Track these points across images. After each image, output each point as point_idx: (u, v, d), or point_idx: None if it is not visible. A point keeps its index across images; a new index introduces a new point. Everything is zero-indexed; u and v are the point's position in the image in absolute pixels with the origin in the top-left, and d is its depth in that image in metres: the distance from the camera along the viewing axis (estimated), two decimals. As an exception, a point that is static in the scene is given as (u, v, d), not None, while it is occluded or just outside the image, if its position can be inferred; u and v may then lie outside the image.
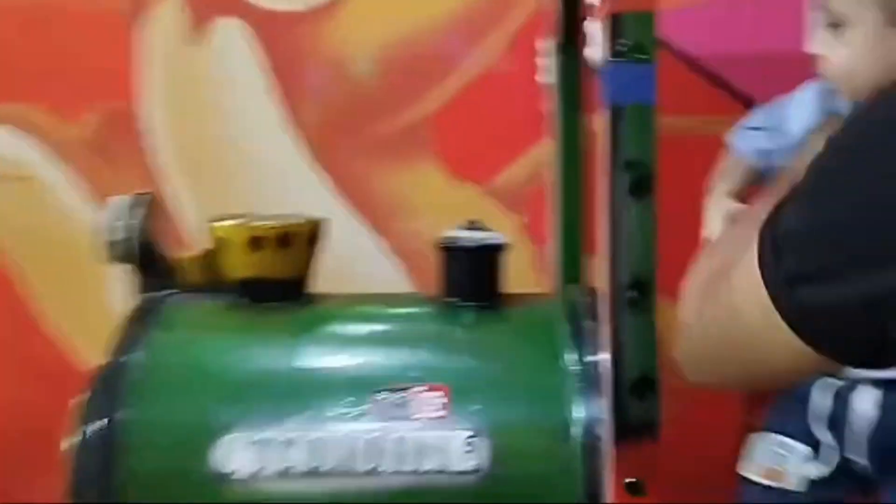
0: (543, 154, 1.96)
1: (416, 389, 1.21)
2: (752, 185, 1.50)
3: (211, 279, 1.38)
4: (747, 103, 1.86)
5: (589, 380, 1.19)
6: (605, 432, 1.11)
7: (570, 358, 1.22)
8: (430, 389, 1.22)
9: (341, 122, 1.99)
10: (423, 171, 1.95)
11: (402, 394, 1.21)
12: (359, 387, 1.21)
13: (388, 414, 1.19)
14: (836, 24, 1.17)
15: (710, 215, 1.50)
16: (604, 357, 1.19)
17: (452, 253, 1.35)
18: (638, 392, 1.10)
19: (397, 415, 1.19)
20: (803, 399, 1.47)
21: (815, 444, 1.46)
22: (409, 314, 1.36)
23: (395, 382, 1.21)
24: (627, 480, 1.09)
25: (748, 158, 1.53)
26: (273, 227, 1.31)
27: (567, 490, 1.15)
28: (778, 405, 1.53)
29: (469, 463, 1.17)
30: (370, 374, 1.24)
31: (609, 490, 1.10)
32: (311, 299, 1.34)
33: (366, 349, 1.30)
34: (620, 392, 1.10)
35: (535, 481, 1.17)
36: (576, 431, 1.16)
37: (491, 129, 1.92)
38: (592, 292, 1.36)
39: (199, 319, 1.34)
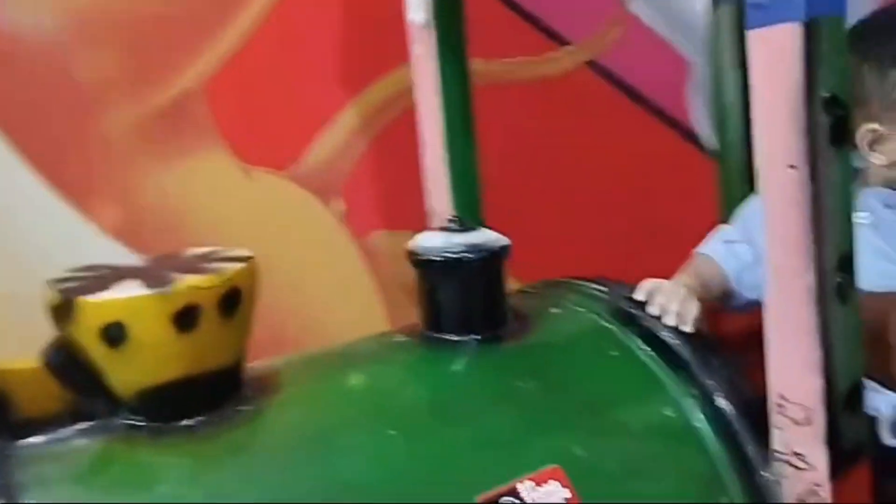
0: (353, 121, 1.53)
1: (519, 488, 0.79)
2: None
3: (69, 400, 0.78)
4: (562, 41, 1.63)
5: (733, 409, 0.88)
6: (813, 467, 0.82)
7: (681, 387, 0.90)
8: (538, 480, 0.81)
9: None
10: (201, 158, 1.38)
11: (514, 501, 0.78)
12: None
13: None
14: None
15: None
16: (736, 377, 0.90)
17: (446, 269, 0.93)
18: (851, 405, 0.82)
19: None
20: None
21: None
22: (423, 380, 0.89)
23: (485, 489, 0.78)
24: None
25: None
26: (212, 286, 0.76)
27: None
28: None
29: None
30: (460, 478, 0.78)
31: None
32: (258, 395, 0.82)
33: (403, 461, 0.81)
34: (833, 410, 0.81)
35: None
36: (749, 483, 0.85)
37: (283, 96, 1.43)
38: (612, 285, 1.04)
39: (81, 480, 0.74)
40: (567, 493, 0.80)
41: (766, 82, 0.77)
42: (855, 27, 1.17)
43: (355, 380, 0.87)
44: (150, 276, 0.76)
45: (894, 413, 1.14)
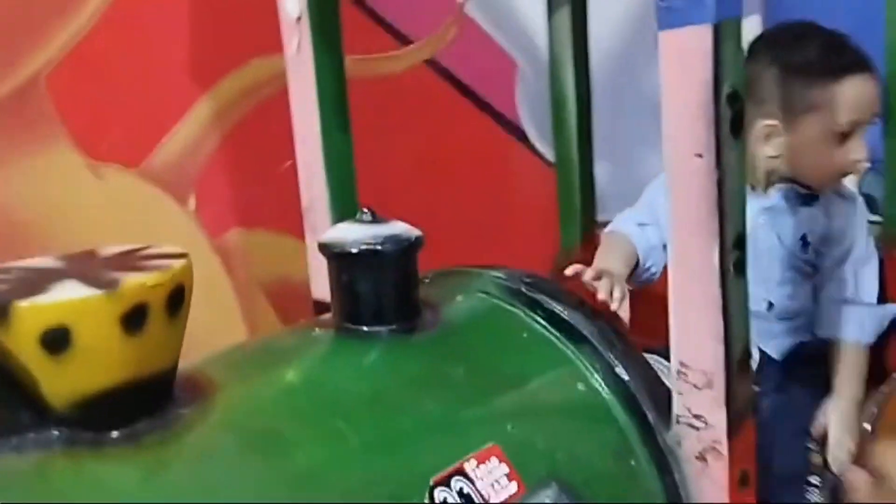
0: (205, 115, 1.47)
1: (466, 467, 0.82)
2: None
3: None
4: (403, 40, 1.66)
5: (641, 382, 0.96)
6: (712, 427, 0.91)
7: (587, 362, 0.96)
8: (480, 459, 0.84)
9: None
10: (45, 154, 1.27)
11: (458, 483, 0.81)
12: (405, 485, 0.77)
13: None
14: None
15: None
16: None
17: (365, 261, 0.93)
18: (742, 369, 0.91)
19: (477, 510, 0.79)
20: None
21: None
22: (355, 372, 0.88)
23: (438, 468, 0.80)
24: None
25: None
26: (160, 284, 0.72)
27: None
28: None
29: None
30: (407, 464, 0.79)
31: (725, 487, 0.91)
32: (194, 398, 0.78)
33: (354, 452, 0.80)
34: (730, 374, 0.90)
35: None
36: (659, 443, 0.93)
37: (132, 88, 1.34)
38: (508, 271, 1.09)
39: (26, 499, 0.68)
40: (506, 469, 0.84)
41: (677, 79, 0.84)
42: (764, 35, 1.32)
43: (290, 376, 0.86)
44: (88, 275, 0.71)
45: None
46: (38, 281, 0.70)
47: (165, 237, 1.47)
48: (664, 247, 1.27)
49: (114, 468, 0.70)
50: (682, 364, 0.93)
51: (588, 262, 1.29)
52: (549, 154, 1.89)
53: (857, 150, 1.24)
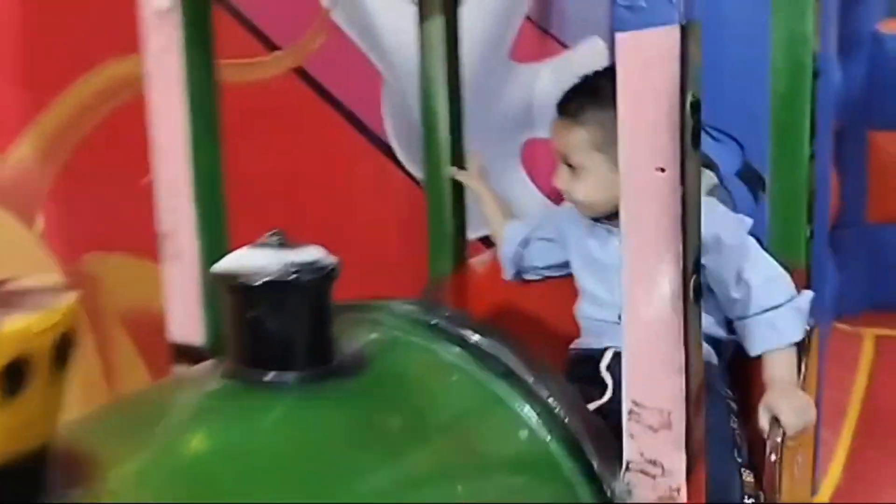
0: (50, 126, 1.23)
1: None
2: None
3: None
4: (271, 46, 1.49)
5: (580, 423, 0.85)
6: (669, 472, 0.81)
7: (526, 405, 0.85)
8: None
9: None
10: None
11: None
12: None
13: None
14: (571, 166, 1.29)
15: None
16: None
17: (277, 293, 0.78)
18: (698, 407, 0.82)
19: None
20: None
21: None
22: (269, 430, 0.72)
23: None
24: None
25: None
26: (44, 330, 0.53)
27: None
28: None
29: None
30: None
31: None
32: (75, 482, 0.60)
33: None
34: (689, 411, 0.81)
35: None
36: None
37: None
38: (419, 303, 0.96)
39: None
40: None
41: (638, 85, 0.75)
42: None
43: (198, 444, 0.68)
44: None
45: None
46: None
47: (10, 262, 1.25)
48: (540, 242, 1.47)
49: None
50: (634, 403, 0.83)
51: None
52: (417, 172, 1.81)
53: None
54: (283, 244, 0.81)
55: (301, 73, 1.51)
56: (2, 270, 1.18)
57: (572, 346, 1.38)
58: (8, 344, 0.51)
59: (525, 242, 1.47)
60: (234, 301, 0.79)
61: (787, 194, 1.34)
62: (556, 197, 1.80)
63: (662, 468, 0.83)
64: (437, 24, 1.43)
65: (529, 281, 1.50)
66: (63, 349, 0.54)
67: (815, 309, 1.29)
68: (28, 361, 0.51)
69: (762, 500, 1.16)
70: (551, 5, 2.12)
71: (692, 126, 0.76)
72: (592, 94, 1.25)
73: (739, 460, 1.20)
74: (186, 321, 1.08)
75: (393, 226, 1.52)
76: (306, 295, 0.78)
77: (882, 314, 3.29)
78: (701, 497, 0.86)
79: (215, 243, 1.08)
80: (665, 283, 0.78)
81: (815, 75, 1.32)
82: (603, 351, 1.27)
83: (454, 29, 1.45)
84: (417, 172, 1.81)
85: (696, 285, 0.80)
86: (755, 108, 1.39)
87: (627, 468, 0.84)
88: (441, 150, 1.50)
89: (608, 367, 1.25)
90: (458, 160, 1.50)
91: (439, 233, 1.51)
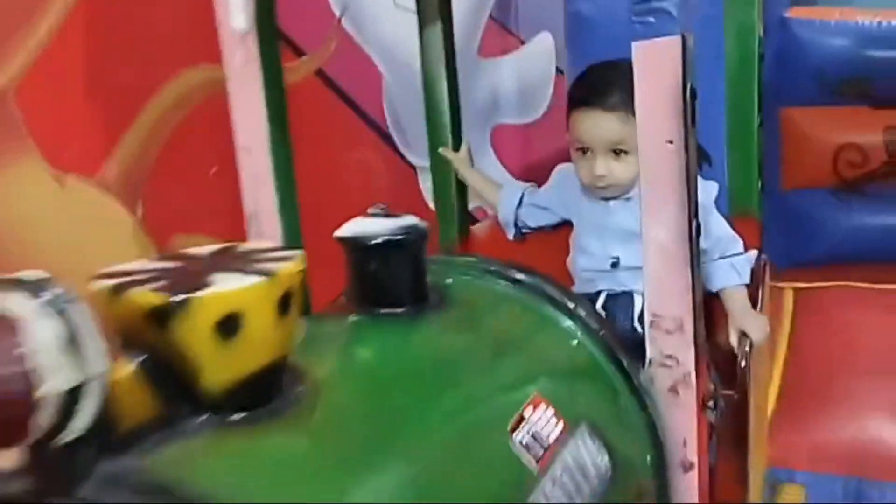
0: (147, 125, 1.44)
1: (528, 415, 0.96)
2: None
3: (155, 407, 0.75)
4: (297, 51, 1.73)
5: (609, 334, 1.14)
6: (683, 364, 1.11)
7: (575, 322, 1.14)
8: (534, 406, 0.98)
9: None
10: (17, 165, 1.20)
11: (528, 426, 0.95)
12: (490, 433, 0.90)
13: (542, 451, 0.93)
14: (617, 152, 1.51)
15: None
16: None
17: (390, 250, 1.04)
18: (698, 315, 1.13)
19: (546, 447, 0.94)
20: None
21: None
22: (413, 349, 0.99)
23: (509, 416, 0.94)
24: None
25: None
26: (299, 272, 0.79)
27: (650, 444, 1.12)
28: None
29: (605, 460, 1.02)
30: (484, 415, 0.92)
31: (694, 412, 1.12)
32: (299, 377, 0.86)
33: (446, 412, 0.92)
34: (696, 319, 1.11)
35: (632, 449, 1.09)
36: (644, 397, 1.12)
37: (91, 96, 1.31)
38: (478, 256, 1.24)
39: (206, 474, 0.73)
40: (552, 412, 0.99)
41: (651, 80, 1.04)
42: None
43: (361, 356, 0.96)
44: (237, 267, 0.77)
45: None
46: (193, 276, 0.75)
47: (118, 244, 1.45)
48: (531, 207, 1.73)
49: (275, 437, 0.77)
50: (654, 315, 1.13)
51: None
52: (410, 156, 2.06)
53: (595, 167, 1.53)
54: (387, 214, 1.08)
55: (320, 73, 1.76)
56: (111, 250, 1.41)
57: (569, 291, 1.68)
58: (283, 280, 0.76)
59: (519, 205, 1.76)
60: (356, 257, 1.05)
61: (742, 160, 1.66)
62: (521, 176, 2.09)
63: (677, 361, 1.13)
64: (436, 29, 1.70)
65: (527, 239, 1.77)
66: (285, 302, 0.79)
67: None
68: (291, 294, 0.77)
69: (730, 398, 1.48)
70: (511, 4, 2.40)
71: (692, 110, 1.06)
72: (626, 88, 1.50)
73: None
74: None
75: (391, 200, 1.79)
76: (409, 251, 1.05)
77: (799, 270, 3.68)
78: (705, 382, 1.16)
79: (291, 222, 1.33)
80: (677, 224, 1.08)
81: (761, 58, 1.64)
82: (597, 294, 1.57)
83: (450, 32, 1.71)
84: (411, 157, 2.08)
85: (697, 226, 1.10)
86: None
87: (650, 363, 1.14)
88: (443, 136, 1.76)
89: (603, 306, 1.56)
90: (457, 144, 1.77)
91: (445, 205, 1.78)
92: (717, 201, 1.61)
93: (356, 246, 1.05)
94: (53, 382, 0.60)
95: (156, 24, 1.40)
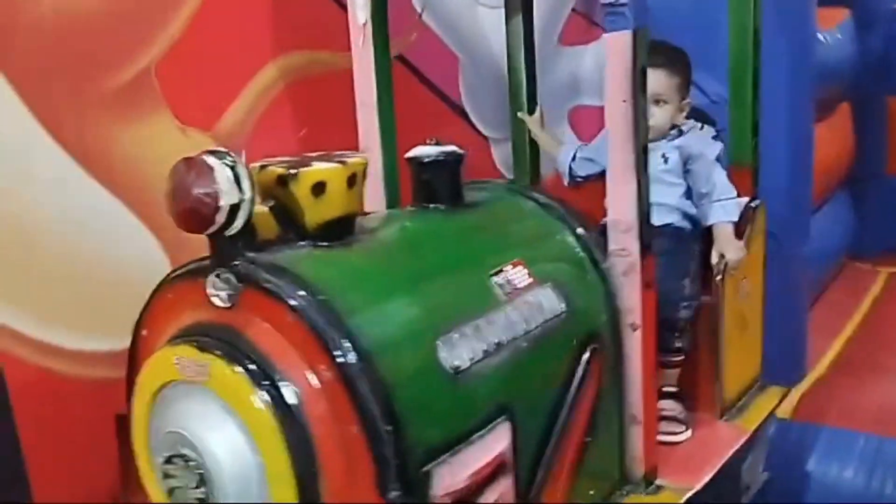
0: (246, 97, 2.07)
1: (508, 269, 1.52)
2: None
3: (278, 231, 1.36)
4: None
5: (592, 238, 1.69)
6: (632, 254, 1.64)
7: (566, 226, 1.69)
8: (514, 265, 1.54)
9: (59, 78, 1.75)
10: (155, 122, 1.88)
11: (505, 274, 1.51)
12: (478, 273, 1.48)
13: (511, 290, 1.49)
14: (657, 101, 2.00)
15: None
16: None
17: (441, 165, 1.62)
18: (644, 220, 1.65)
19: (515, 289, 1.50)
20: None
21: None
22: (446, 223, 1.60)
23: (494, 267, 1.50)
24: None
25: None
26: (362, 163, 1.39)
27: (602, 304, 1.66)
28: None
29: (561, 306, 1.56)
30: (477, 264, 1.51)
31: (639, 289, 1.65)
32: (363, 230, 1.46)
33: (451, 254, 1.53)
34: (641, 220, 1.63)
35: (589, 306, 1.63)
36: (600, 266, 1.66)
37: (213, 68, 1.96)
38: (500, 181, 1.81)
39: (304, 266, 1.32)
40: (526, 272, 1.54)
41: (614, 59, 1.57)
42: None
43: (408, 225, 1.58)
44: (325, 159, 1.37)
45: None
46: (302, 162, 1.36)
47: None
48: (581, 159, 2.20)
49: (346, 255, 1.37)
50: (614, 220, 1.65)
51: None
52: (484, 129, 2.64)
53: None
54: (438, 143, 1.65)
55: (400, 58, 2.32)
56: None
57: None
58: (352, 166, 1.36)
59: (573, 159, 2.27)
60: (416, 170, 1.63)
61: (739, 119, 2.14)
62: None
63: (629, 252, 1.65)
64: (518, 20, 2.22)
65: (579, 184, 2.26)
66: (352, 179, 1.38)
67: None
68: (356, 175, 1.36)
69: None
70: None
71: (642, 80, 1.57)
72: (667, 55, 2.01)
73: (693, 283, 2.01)
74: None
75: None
76: (448, 166, 1.62)
77: None
78: (652, 269, 1.67)
79: (390, 157, 1.92)
80: (630, 157, 1.60)
81: (757, 46, 2.11)
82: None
83: (530, 23, 2.23)
84: (484, 130, 2.66)
85: (645, 160, 1.61)
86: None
87: (611, 255, 1.66)
88: (521, 107, 2.28)
89: None
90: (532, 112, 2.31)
91: (520, 163, 2.31)
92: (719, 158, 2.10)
93: (416, 162, 1.63)
94: (226, 198, 1.21)
95: (260, 18, 2.02)
